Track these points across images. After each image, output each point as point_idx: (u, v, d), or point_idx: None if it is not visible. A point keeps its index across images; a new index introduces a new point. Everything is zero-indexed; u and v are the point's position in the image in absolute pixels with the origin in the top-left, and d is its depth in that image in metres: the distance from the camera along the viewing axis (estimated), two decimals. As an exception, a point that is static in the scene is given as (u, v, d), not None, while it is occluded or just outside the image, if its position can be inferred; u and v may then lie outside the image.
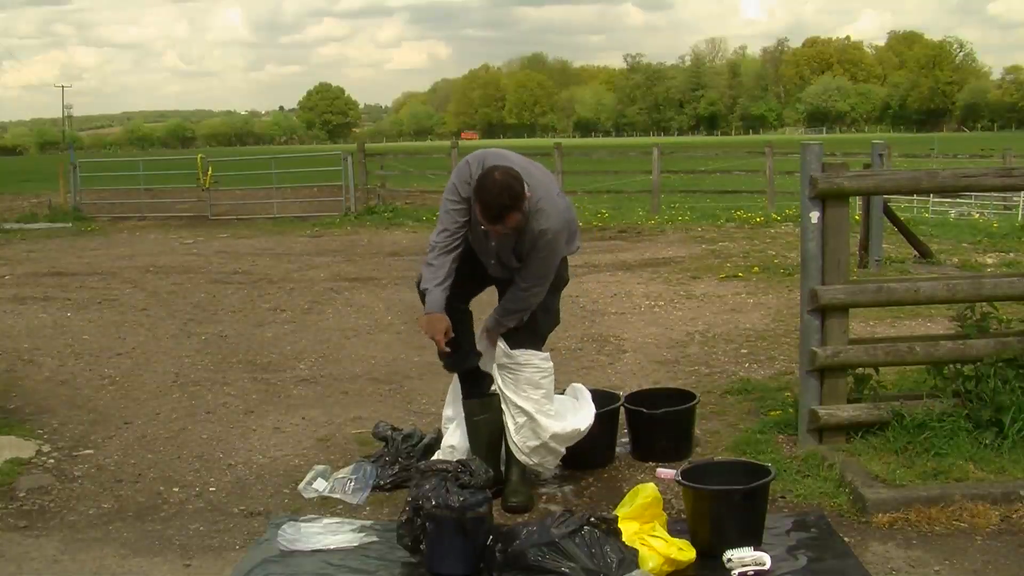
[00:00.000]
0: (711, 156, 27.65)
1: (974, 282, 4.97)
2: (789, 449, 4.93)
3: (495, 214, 4.04)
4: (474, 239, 4.37)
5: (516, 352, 4.43)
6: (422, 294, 4.32)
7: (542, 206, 4.16)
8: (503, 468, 4.58)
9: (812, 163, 4.70)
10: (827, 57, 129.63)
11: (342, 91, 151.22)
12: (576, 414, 4.62)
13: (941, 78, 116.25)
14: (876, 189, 6.42)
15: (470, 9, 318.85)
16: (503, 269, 4.39)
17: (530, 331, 4.47)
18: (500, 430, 4.55)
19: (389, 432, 4.93)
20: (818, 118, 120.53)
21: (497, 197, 4.00)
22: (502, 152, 4.37)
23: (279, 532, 4.14)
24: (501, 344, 4.45)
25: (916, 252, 11.17)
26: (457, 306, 4.42)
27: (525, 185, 4.08)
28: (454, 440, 4.69)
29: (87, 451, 5.37)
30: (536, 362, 4.46)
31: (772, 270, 10.74)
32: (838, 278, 4.73)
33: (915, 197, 20.83)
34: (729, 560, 3.73)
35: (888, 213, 11.11)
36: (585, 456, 4.89)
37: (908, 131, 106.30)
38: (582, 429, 4.57)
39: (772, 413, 5.43)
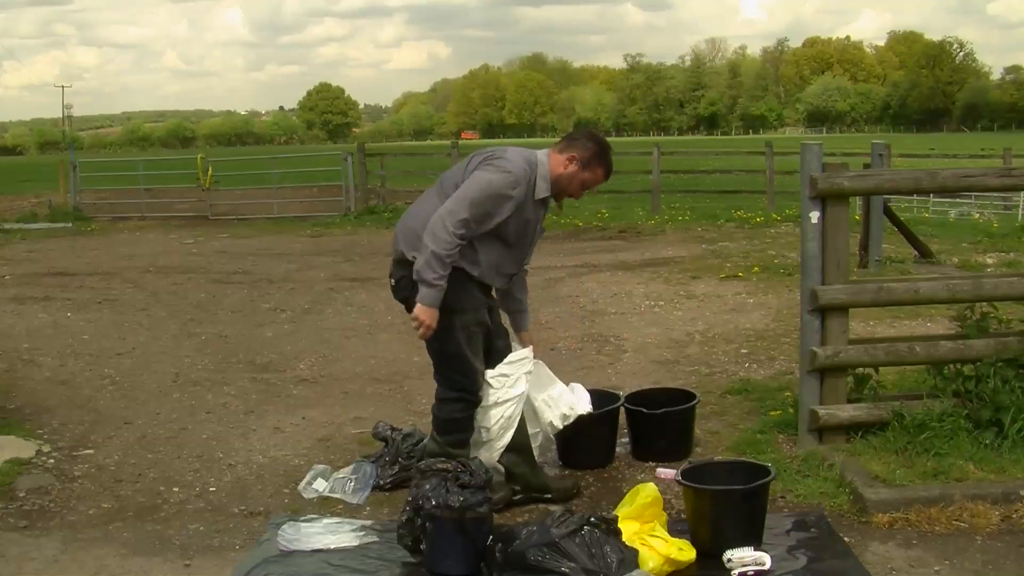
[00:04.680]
0: (711, 156, 27.60)
1: (974, 282, 4.97)
2: (789, 449, 4.93)
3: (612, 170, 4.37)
4: (519, 233, 4.23)
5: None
6: (425, 282, 4.02)
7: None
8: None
9: (812, 163, 4.70)
10: (827, 57, 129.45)
11: (342, 91, 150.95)
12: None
13: (941, 78, 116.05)
14: (876, 189, 6.42)
15: (470, 9, 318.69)
16: (528, 249, 4.43)
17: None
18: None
19: (389, 432, 4.93)
20: (818, 118, 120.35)
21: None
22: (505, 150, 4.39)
23: (279, 532, 4.14)
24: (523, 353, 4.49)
25: (916, 252, 11.17)
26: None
27: None
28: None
29: (87, 451, 5.37)
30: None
31: (772, 270, 10.73)
32: (838, 278, 4.73)
33: (915, 197, 20.82)
34: (729, 560, 3.73)
35: (888, 213, 11.10)
36: (585, 456, 4.90)
37: (908, 131, 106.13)
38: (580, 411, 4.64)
39: (772, 413, 5.43)
